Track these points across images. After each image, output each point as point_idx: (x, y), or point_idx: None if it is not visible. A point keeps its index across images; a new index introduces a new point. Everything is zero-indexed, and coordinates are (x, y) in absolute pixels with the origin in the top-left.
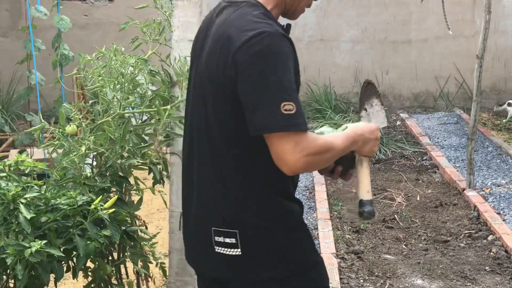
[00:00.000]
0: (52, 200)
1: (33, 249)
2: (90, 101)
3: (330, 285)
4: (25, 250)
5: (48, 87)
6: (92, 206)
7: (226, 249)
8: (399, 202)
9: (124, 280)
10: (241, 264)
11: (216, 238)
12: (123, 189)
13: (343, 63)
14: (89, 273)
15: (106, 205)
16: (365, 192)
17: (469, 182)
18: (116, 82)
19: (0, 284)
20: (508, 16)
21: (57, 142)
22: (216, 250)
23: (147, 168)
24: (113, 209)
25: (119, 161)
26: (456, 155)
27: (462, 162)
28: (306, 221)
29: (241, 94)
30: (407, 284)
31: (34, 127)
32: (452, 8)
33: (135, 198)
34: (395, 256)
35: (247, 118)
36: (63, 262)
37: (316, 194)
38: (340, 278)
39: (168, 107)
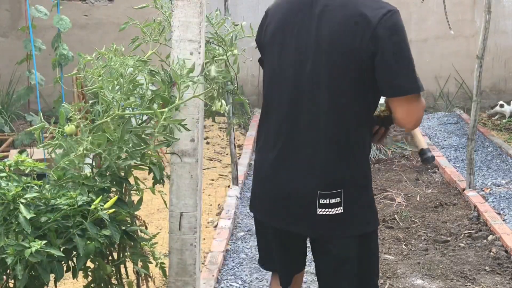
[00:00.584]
0: (52, 200)
1: (33, 249)
2: (90, 101)
3: None
4: (25, 250)
5: (48, 87)
6: (92, 206)
7: (329, 210)
8: (399, 202)
9: (124, 280)
10: (342, 221)
11: (321, 201)
12: (123, 189)
13: None
14: (89, 273)
15: (106, 205)
16: (423, 142)
17: (469, 182)
18: (116, 82)
19: (0, 284)
20: (508, 16)
21: (56, 142)
22: (318, 212)
23: (147, 168)
24: (113, 209)
25: (117, 162)
26: (456, 155)
27: (462, 162)
28: None
29: (382, 62)
30: (407, 284)
31: (34, 127)
32: (452, 8)
33: (135, 198)
34: (395, 256)
35: (387, 83)
36: (63, 262)
37: None
38: None
39: (166, 109)
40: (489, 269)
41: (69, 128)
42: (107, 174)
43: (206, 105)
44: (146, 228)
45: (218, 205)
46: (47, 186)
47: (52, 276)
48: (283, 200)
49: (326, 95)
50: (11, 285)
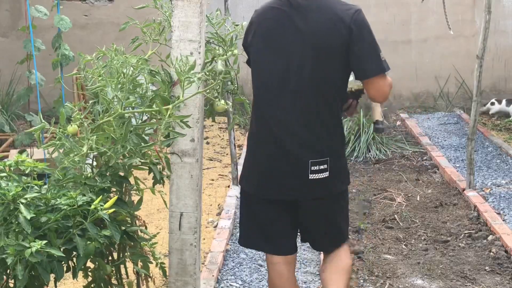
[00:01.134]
0: (52, 200)
1: (33, 249)
2: (90, 101)
3: None
4: (25, 250)
5: (48, 87)
6: (92, 206)
7: (318, 175)
8: (399, 202)
9: (124, 280)
10: (329, 183)
11: (312, 168)
12: (123, 189)
13: None
14: (89, 273)
15: (106, 205)
16: (379, 115)
17: (469, 182)
18: (117, 82)
19: (0, 284)
20: (508, 16)
21: (58, 142)
22: (310, 177)
23: (147, 168)
24: (113, 209)
25: (120, 161)
26: (456, 155)
27: (462, 162)
28: None
29: (355, 51)
30: (407, 284)
31: (34, 127)
32: (452, 8)
33: (135, 198)
34: (395, 256)
35: (361, 67)
36: (63, 262)
37: None
38: None
39: (170, 106)
40: (489, 269)
41: (71, 128)
42: (107, 174)
43: (206, 105)
44: (146, 228)
45: (218, 205)
46: (47, 186)
47: (52, 276)
48: (283, 172)
49: (314, 83)
50: (11, 285)
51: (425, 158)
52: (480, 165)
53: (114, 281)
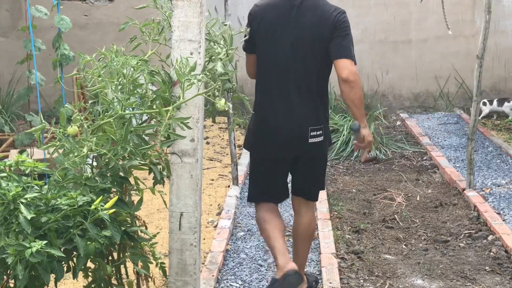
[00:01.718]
0: (52, 201)
1: (34, 249)
2: (90, 101)
3: (330, 284)
4: (25, 250)
5: (48, 87)
6: (93, 207)
7: (315, 139)
8: (399, 202)
9: (124, 280)
10: (322, 145)
11: (311, 133)
12: (123, 189)
13: None
14: (89, 273)
15: (106, 206)
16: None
17: (469, 182)
18: (117, 82)
19: (0, 284)
20: (508, 16)
21: (59, 143)
22: (309, 141)
23: (147, 168)
24: (113, 210)
25: (120, 162)
26: (456, 155)
27: (462, 162)
28: None
29: (336, 41)
30: (407, 284)
31: (34, 128)
32: (452, 8)
33: (135, 198)
34: (395, 256)
35: (340, 52)
36: (63, 262)
37: None
38: (340, 278)
39: (170, 108)
40: (489, 269)
41: (71, 129)
42: (108, 174)
43: (206, 105)
44: (146, 228)
45: (218, 205)
46: (47, 186)
47: (52, 276)
48: (287, 137)
49: (311, 65)
50: (11, 285)
51: (425, 158)
52: (480, 165)
53: (114, 281)
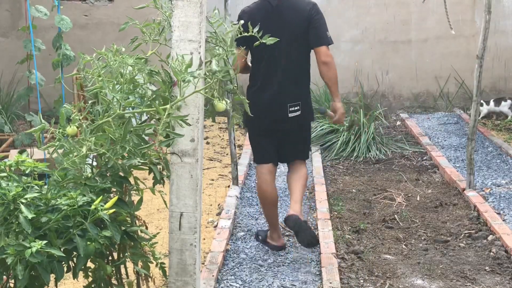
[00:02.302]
0: (52, 201)
1: (34, 249)
2: (90, 101)
3: (330, 284)
4: (25, 250)
5: (48, 87)
6: (93, 207)
7: (294, 113)
8: (399, 202)
9: (124, 280)
10: (300, 118)
11: (290, 108)
12: (123, 189)
13: (343, 63)
14: (89, 273)
15: (106, 206)
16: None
17: (469, 182)
18: (116, 82)
19: (0, 284)
20: (508, 16)
21: (58, 143)
22: (289, 115)
23: (147, 168)
24: (113, 210)
25: (120, 162)
26: (456, 155)
27: (462, 162)
28: None
29: (313, 30)
30: (407, 284)
31: (34, 128)
32: (452, 8)
33: (135, 198)
34: (395, 256)
35: (316, 40)
36: (63, 262)
37: (316, 194)
38: (340, 278)
39: (168, 106)
40: (489, 269)
41: (71, 129)
42: (108, 174)
43: (206, 105)
44: (147, 228)
45: (218, 205)
46: (47, 186)
47: (52, 276)
48: (273, 113)
49: (294, 53)
50: (11, 285)
51: (425, 158)
52: (480, 165)
53: (114, 281)
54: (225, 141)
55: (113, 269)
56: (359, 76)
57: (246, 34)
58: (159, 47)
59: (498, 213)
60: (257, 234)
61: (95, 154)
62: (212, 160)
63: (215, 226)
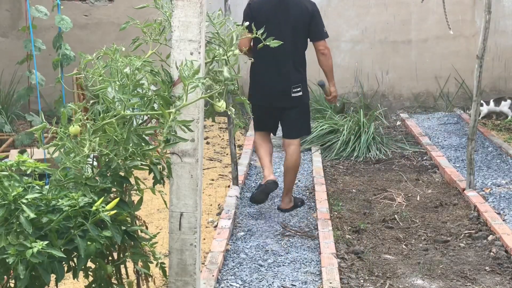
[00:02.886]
0: (53, 201)
1: (35, 249)
2: (91, 101)
3: (330, 284)
4: (26, 250)
5: (48, 87)
6: (94, 208)
7: (296, 93)
8: (399, 202)
9: (124, 280)
10: (301, 98)
11: (293, 90)
12: (124, 189)
13: (343, 63)
14: (90, 273)
15: (108, 207)
16: (327, 79)
17: (469, 182)
18: (120, 83)
19: (0, 284)
20: (508, 16)
21: (61, 142)
22: (292, 95)
23: (147, 168)
24: (114, 211)
25: (122, 163)
26: (456, 155)
27: (462, 162)
28: (306, 221)
29: (313, 26)
30: (407, 284)
31: (35, 127)
32: (452, 8)
33: (135, 198)
34: (395, 256)
35: (316, 35)
36: (63, 263)
37: (316, 194)
38: (340, 278)
39: (173, 110)
40: (489, 269)
41: (74, 128)
42: (108, 174)
43: (206, 105)
44: (147, 228)
45: (218, 205)
46: (47, 186)
47: (52, 276)
48: (278, 93)
49: (295, 43)
50: (11, 285)
51: (425, 158)
52: (480, 165)
53: (114, 281)
54: (225, 141)
55: (113, 269)
56: (359, 76)
57: (253, 29)
58: (159, 47)
59: (498, 213)
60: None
61: (96, 154)
62: (212, 160)
63: (215, 226)
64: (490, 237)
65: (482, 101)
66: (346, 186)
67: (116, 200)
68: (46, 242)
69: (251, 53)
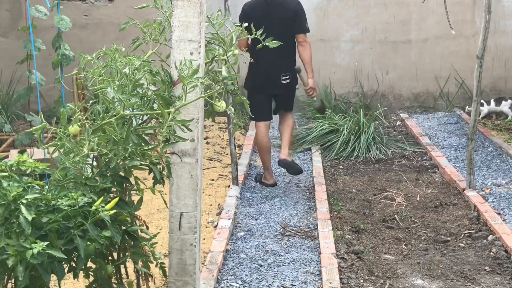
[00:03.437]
0: (53, 201)
1: (35, 250)
2: (90, 101)
3: (330, 284)
4: (26, 251)
5: (48, 87)
6: (93, 208)
7: (285, 80)
8: (399, 202)
9: (124, 280)
10: (290, 85)
11: (283, 77)
12: (123, 189)
13: (343, 63)
14: (90, 273)
15: (107, 207)
16: (304, 67)
17: (469, 182)
18: (120, 84)
19: (0, 284)
20: (508, 16)
21: (60, 142)
22: (282, 82)
23: (147, 168)
24: (114, 211)
25: (121, 162)
26: (456, 155)
27: (462, 162)
28: (306, 221)
29: (297, 21)
30: (407, 284)
31: (35, 127)
32: (452, 8)
33: (135, 198)
34: (395, 256)
35: (298, 29)
36: (63, 263)
37: (316, 194)
38: (340, 278)
39: (172, 110)
40: (489, 269)
41: (73, 128)
42: (108, 174)
43: (206, 105)
44: (147, 228)
45: (218, 205)
46: (47, 186)
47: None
48: (271, 81)
49: (284, 38)
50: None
51: (425, 158)
52: (480, 165)
53: (114, 281)
54: (225, 141)
55: (114, 269)
56: (359, 76)
57: (247, 28)
58: (159, 47)
59: (498, 213)
60: (255, 177)
61: (96, 154)
62: (212, 160)
63: (215, 226)
64: (490, 237)
65: (482, 101)
66: (346, 186)
67: (116, 199)
68: (46, 243)
69: (249, 50)
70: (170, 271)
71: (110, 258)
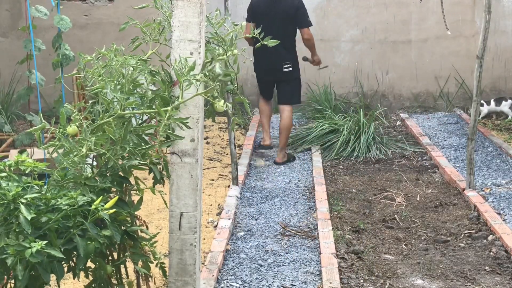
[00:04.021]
0: (52, 201)
1: (34, 249)
2: (90, 101)
3: (330, 284)
4: (25, 250)
5: (48, 87)
6: (93, 207)
7: (287, 69)
8: (399, 202)
9: (124, 280)
10: (291, 73)
11: (284, 66)
12: (123, 189)
13: (343, 63)
14: (90, 273)
15: (107, 206)
16: (311, 55)
17: (469, 182)
18: (117, 82)
19: (0, 284)
20: (508, 16)
21: (58, 142)
22: (284, 70)
23: (147, 168)
24: (113, 210)
25: (120, 162)
26: (456, 155)
27: (462, 162)
28: (306, 221)
29: (299, 16)
30: (407, 284)
31: (34, 127)
32: (452, 8)
33: (135, 198)
34: (395, 256)
35: (301, 24)
36: (63, 262)
37: (316, 194)
38: (340, 278)
39: (169, 108)
40: (489, 269)
41: (71, 129)
42: (108, 174)
43: (206, 105)
44: (147, 228)
45: (218, 205)
46: (46, 186)
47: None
48: (273, 69)
49: (285, 30)
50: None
51: (425, 158)
52: (480, 165)
53: (114, 281)
54: (225, 141)
55: (113, 269)
56: (359, 76)
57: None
58: (159, 47)
59: (498, 213)
60: (258, 144)
61: (95, 154)
62: (212, 160)
63: (215, 226)
64: (490, 237)
65: (482, 101)
66: (346, 186)
67: (115, 198)
68: (45, 242)
69: (253, 43)
70: (170, 271)
71: (110, 258)
